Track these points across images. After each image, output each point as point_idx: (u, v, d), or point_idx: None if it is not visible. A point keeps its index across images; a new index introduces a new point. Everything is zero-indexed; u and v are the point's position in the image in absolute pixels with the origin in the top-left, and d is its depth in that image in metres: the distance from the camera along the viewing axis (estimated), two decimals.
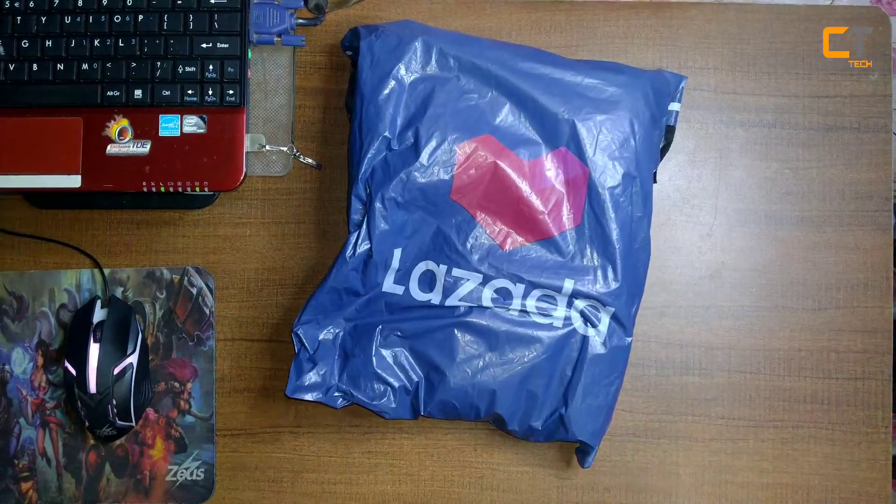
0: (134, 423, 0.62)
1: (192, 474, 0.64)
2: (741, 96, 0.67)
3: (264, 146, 0.63)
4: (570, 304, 0.60)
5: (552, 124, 0.60)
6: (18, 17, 0.61)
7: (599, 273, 0.60)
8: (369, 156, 0.59)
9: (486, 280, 0.60)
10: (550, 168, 0.60)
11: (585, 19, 0.67)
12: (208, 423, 0.64)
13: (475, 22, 0.67)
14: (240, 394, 0.65)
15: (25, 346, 0.65)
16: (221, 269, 0.65)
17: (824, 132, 0.67)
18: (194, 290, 0.65)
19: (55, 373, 0.64)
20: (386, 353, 0.60)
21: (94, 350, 0.60)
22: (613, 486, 0.64)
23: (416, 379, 0.60)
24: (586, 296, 0.60)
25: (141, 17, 0.61)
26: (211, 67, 0.61)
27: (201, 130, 0.60)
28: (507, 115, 0.60)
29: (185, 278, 0.65)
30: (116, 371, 0.60)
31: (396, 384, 0.60)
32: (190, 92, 0.61)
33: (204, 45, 0.61)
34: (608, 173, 0.59)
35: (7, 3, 0.61)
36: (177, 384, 0.64)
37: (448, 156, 0.59)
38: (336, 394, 0.60)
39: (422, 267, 0.60)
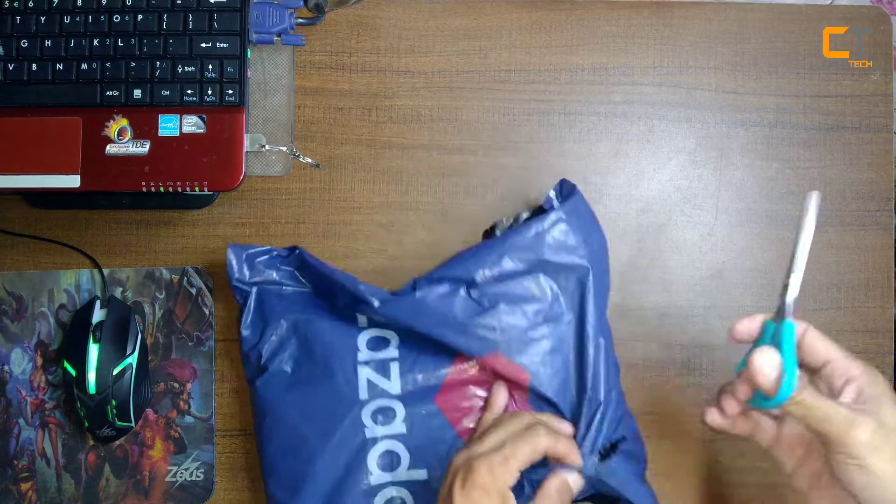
0: (133, 424, 0.62)
1: (191, 475, 0.64)
2: (742, 96, 0.67)
3: (264, 146, 0.63)
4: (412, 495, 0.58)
5: None
6: (18, 17, 0.61)
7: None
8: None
9: (403, 401, 0.58)
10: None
11: (586, 18, 0.67)
12: (208, 424, 0.64)
13: (475, 21, 0.67)
14: (239, 394, 0.64)
15: (25, 347, 0.64)
16: (221, 269, 0.65)
17: (825, 132, 0.67)
18: (194, 291, 0.65)
19: (54, 373, 0.64)
20: (283, 327, 0.60)
21: (93, 350, 0.60)
22: None
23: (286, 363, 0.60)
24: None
25: (140, 16, 0.61)
26: (210, 67, 0.61)
27: (201, 130, 0.60)
28: None
29: (185, 278, 0.65)
30: (116, 371, 0.60)
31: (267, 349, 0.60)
32: (189, 92, 0.61)
33: (203, 45, 0.61)
34: None
35: (7, 3, 0.61)
36: (176, 385, 0.64)
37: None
38: (249, 288, 0.61)
39: (389, 351, 0.59)
